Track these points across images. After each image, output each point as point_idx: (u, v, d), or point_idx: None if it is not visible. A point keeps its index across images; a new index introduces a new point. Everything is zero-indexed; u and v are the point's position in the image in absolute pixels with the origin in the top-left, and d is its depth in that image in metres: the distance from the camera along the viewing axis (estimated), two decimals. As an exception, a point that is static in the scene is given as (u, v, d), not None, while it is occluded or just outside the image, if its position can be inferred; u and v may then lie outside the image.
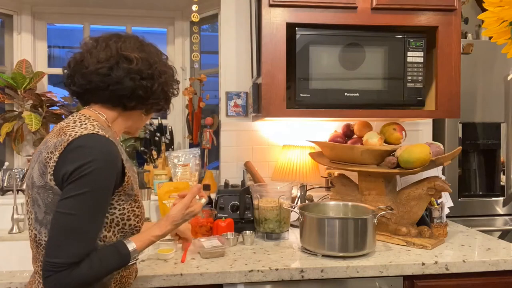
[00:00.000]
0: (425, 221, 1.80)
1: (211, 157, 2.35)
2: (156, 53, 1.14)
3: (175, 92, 1.20)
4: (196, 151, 2.25)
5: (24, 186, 2.01)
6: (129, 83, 1.05)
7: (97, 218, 0.97)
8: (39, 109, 2.29)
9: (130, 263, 1.04)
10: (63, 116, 2.34)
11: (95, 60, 1.05)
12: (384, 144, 1.81)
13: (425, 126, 2.29)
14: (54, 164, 0.95)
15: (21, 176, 2.11)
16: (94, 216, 0.95)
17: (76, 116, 1.06)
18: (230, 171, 2.17)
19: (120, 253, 1.01)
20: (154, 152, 2.31)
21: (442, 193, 1.78)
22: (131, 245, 1.03)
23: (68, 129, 1.00)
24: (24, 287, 1.05)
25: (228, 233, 1.70)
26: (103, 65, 1.04)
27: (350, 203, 1.73)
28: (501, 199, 2.26)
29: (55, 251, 0.91)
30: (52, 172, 0.95)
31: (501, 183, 2.27)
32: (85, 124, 1.02)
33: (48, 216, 0.98)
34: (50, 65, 2.56)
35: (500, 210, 2.26)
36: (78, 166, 0.93)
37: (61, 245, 0.91)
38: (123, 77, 1.05)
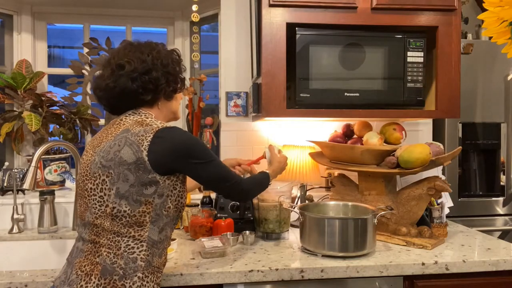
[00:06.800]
0: (425, 221, 1.80)
1: (211, 157, 2.34)
2: (148, 47, 1.27)
3: (177, 69, 1.31)
4: (196, 151, 2.25)
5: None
6: (133, 83, 1.21)
7: None
8: (39, 109, 2.29)
9: (269, 183, 1.50)
10: (63, 116, 2.33)
11: (102, 80, 1.25)
12: (384, 144, 1.81)
13: (425, 126, 2.29)
14: (149, 143, 1.13)
15: (21, 176, 2.10)
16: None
17: (143, 114, 1.24)
18: (230, 171, 2.16)
19: (264, 172, 1.50)
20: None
21: (442, 193, 1.78)
22: (265, 171, 1.53)
23: (148, 122, 1.20)
24: (78, 264, 1.14)
25: (228, 233, 1.70)
26: (109, 81, 1.23)
27: (350, 203, 1.73)
28: (501, 199, 2.26)
29: (230, 177, 1.30)
30: (147, 149, 1.13)
31: (501, 183, 2.27)
32: (155, 120, 1.23)
33: (132, 189, 1.12)
34: (50, 65, 2.55)
35: (500, 210, 2.26)
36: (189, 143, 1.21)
37: (228, 172, 1.30)
38: (125, 82, 1.21)
